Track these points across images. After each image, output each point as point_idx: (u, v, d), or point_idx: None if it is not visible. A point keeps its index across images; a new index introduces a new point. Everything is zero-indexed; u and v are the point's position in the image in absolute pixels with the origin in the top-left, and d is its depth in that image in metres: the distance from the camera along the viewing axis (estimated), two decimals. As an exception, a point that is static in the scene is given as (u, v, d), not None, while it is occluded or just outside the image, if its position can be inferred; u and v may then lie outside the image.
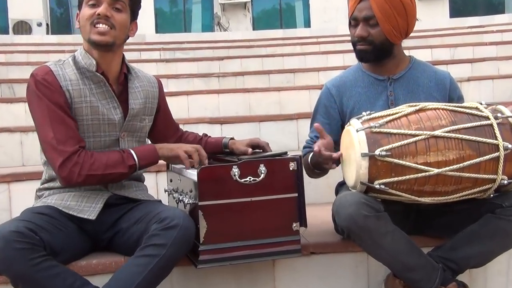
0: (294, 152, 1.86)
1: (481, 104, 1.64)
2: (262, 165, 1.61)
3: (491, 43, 6.06)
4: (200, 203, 1.57)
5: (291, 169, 1.63)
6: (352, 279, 1.86)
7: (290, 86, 4.71)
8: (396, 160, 1.54)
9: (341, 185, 1.94)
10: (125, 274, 1.51)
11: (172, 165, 1.98)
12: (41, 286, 1.45)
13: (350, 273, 1.86)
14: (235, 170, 1.59)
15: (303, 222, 1.65)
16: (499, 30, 7.31)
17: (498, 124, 1.57)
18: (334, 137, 1.74)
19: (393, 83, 1.87)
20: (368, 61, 1.87)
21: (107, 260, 1.67)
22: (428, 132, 1.54)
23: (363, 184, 1.58)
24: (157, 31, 12.00)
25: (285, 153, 1.71)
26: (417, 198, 1.59)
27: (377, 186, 1.56)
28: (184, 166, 1.70)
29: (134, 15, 1.73)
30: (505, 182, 1.57)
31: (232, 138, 1.91)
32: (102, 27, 1.63)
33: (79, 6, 1.70)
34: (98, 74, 1.68)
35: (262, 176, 1.60)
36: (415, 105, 1.63)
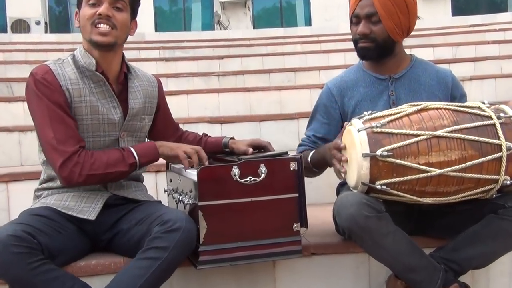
0: (295, 152, 1.86)
1: (483, 103, 1.63)
2: (262, 165, 1.60)
3: (494, 42, 6.05)
4: (200, 204, 1.56)
5: (291, 169, 1.62)
6: (353, 280, 1.85)
7: (291, 85, 4.70)
8: (397, 161, 1.53)
9: (342, 185, 1.93)
10: (127, 276, 1.50)
11: (172, 165, 1.97)
12: None
13: (351, 274, 1.85)
14: (235, 170, 1.58)
15: (303, 222, 1.64)
16: (501, 28, 7.30)
17: (501, 124, 1.56)
18: (333, 137, 1.73)
19: (395, 82, 1.86)
20: (370, 59, 1.85)
21: (106, 261, 1.66)
22: (430, 132, 1.53)
23: (364, 185, 1.57)
24: (156, 30, 12.00)
25: (286, 153, 1.70)
26: (418, 199, 1.58)
27: (379, 187, 1.55)
28: (183, 166, 1.69)
29: (134, 13, 1.72)
30: (508, 182, 1.56)
31: (232, 138, 1.90)
32: (103, 27, 1.62)
33: (78, 5, 1.69)
34: (98, 73, 1.67)
35: (263, 176, 1.59)
36: (417, 105, 1.62)
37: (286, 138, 3.15)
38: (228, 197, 1.58)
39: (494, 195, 1.62)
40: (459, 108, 1.60)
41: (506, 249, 1.70)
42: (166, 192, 1.99)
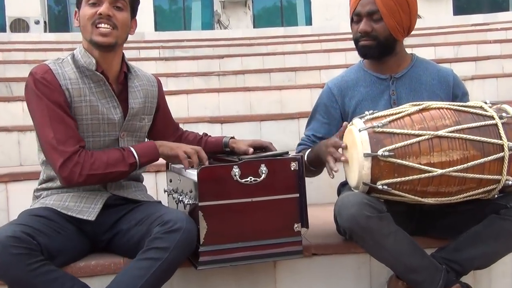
0: (295, 152, 1.85)
1: (485, 103, 1.62)
2: (263, 165, 1.59)
3: (495, 41, 6.04)
4: (200, 204, 1.55)
5: (292, 169, 1.61)
6: (354, 281, 1.84)
7: (291, 84, 4.70)
8: (399, 161, 1.52)
9: (343, 185, 1.92)
10: (127, 277, 1.49)
11: (172, 165, 1.96)
12: None
13: (352, 275, 1.84)
14: (236, 170, 1.57)
15: (304, 223, 1.63)
16: (503, 28, 7.28)
17: (503, 123, 1.56)
18: None
19: (395, 82, 1.86)
20: (371, 57, 1.85)
21: (106, 261, 1.66)
22: (432, 132, 1.53)
23: (366, 185, 1.56)
24: (156, 29, 11.96)
25: (286, 152, 1.70)
26: (420, 199, 1.57)
27: (380, 187, 1.54)
28: (183, 166, 1.68)
29: (134, 12, 1.72)
30: (510, 182, 1.55)
31: (232, 137, 1.89)
32: (104, 27, 1.61)
33: (78, 4, 1.68)
34: (98, 73, 1.66)
35: (263, 176, 1.59)
36: (419, 105, 1.61)
37: (287, 138, 3.14)
38: (228, 197, 1.57)
39: (496, 195, 1.61)
40: (461, 108, 1.60)
41: (508, 250, 1.69)
42: (166, 192, 1.99)
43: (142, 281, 1.47)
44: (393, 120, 1.58)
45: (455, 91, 1.87)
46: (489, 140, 1.53)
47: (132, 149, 1.64)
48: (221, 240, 1.57)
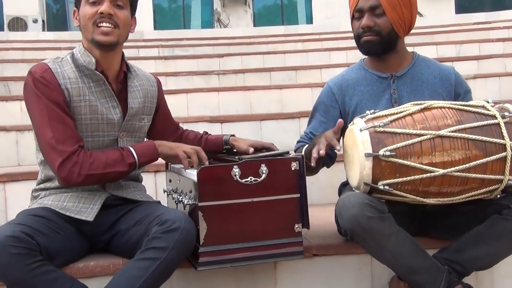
0: (294, 149, 1.84)
1: (487, 102, 1.61)
2: (263, 165, 1.58)
3: (498, 40, 6.03)
4: (200, 204, 1.54)
5: (293, 169, 1.60)
6: (356, 282, 1.83)
7: (292, 84, 4.69)
8: (400, 161, 1.51)
9: (345, 186, 1.91)
10: (126, 277, 1.49)
11: (172, 165, 1.95)
12: None
13: (353, 276, 1.83)
14: (236, 170, 1.56)
15: (305, 223, 1.62)
16: (506, 26, 7.26)
17: (505, 123, 1.55)
18: None
19: (397, 81, 1.85)
20: (374, 54, 1.84)
21: (105, 262, 1.65)
22: (434, 132, 1.52)
23: (367, 185, 1.55)
24: (155, 28, 11.95)
25: (287, 152, 1.69)
26: (422, 199, 1.57)
27: (381, 187, 1.53)
28: (183, 166, 1.67)
29: (133, 9, 1.71)
30: (512, 182, 1.54)
31: (233, 135, 1.89)
32: (105, 26, 1.60)
33: (77, 4, 1.67)
34: (98, 72, 1.65)
35: (264, 176, 1.58)
36: (420, 104, 1.60)
37: (287, 138, 3.12)
38: (228, 198, 1.56)
39: (498, 196, 1.60)
40: (463, 107, 1.59)
41: (511, 250, 1.68)
42: (166, 193, 1.98)
43: (140, 281, 1.46)
44: (394, 120, 1.57)
45: (457, 89, 1.86)
46: (491, 139, 1.52)
47: (131, 149, 1.63)
48: (221, 241, 1.56)
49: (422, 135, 1.52)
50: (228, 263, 1.58)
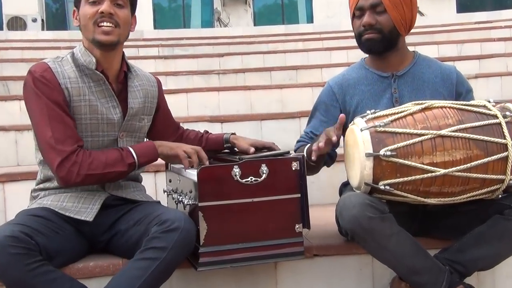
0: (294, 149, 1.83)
1: (489, 102, 1.61)
2: (263, 165, 1.58)
3: (499, 39, 6.02)
4: (200, 204, 1.53)
5: (293, 169, 1.60)
6: (357, 282, 1.83)
7: (292, 83, 4.68)
8: (401, 160, 1.50)
9: (345, 186, 1.91)
10: (125, 277, 1.48)
11: (171, 165, 1.95)
12: None
13: (354, 276, 1.83)
14: (236, 170, 1.56)
15: (306, 223, 1.62)
16: (507, 25, 7.25)
17: (506, 122, 1.54)
18: None
19: (397, 80, 1.84)
20: (376, 51, 1.83)
21: (105, 263, 1.65)
22: (435, 132, 1.51)
23: (368, 185, 1.55)
24: (155, 27, 11.93)
25: (287, 152, 1.68)
26: (423, 199, 1.56)
27: (382, 187, 1.53)
28: (183, 166, 1.66)
29: (133, 8, 1.71)
30: (514, 182, 1.54)
31: (233, 133, 1.88)
32: (106, 25, 1.60)
33: (77, 3, 1.66)
34: (98, 72, 1.65)
35: (264, 176, 1.57)
36: (421, 103, 1.59)
37: (288, 138, 3.11)
38: (228, 198, 1.56)
39: (500, 195, 1.59)
40: (464, 107, 1.58)
41: (512, 250, 1.67)
42: (166, 193, 1.97)
43: (140, 281, 1.46)
44: (395, 120, 1.56)
45: (458, 89, 1.85)
46: (492, 139, 1.52)
47: (131, 149, 1.62)
48: (222, 241, 1.56)
49: (423, 134, 1.51)
50: (228, 264, 1.57)
